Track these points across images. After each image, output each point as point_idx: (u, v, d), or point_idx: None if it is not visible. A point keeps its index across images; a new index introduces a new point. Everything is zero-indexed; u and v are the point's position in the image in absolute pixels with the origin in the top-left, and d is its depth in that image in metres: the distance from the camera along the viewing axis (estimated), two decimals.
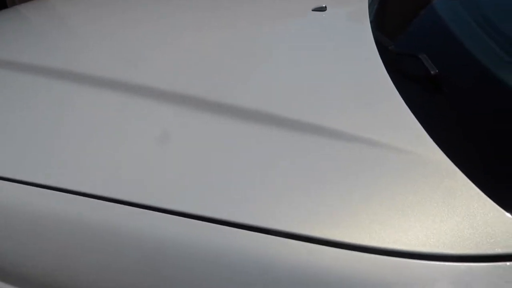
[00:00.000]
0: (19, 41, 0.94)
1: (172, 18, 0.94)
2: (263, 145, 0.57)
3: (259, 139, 0.58)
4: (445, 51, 0.64)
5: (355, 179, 0.50)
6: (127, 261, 0.50)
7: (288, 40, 0.78)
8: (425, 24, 0.74)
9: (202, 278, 0.47)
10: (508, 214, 0.42)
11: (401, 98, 0.56)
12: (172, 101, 0.65)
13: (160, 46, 0.82)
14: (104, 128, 0.65)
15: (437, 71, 0.56)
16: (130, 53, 0.81)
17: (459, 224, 0.43)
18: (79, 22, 1.04)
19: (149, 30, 0.89)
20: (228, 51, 0.76)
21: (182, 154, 0.58)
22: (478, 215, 0.43)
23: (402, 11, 0.81)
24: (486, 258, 0.40)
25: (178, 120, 0.63)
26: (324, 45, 0.74)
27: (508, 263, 0.39)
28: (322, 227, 0.45)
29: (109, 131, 0.65)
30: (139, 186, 0.54)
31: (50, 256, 0.54)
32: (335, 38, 0.76)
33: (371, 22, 0.73)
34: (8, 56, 0.88)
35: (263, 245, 0.46)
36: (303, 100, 0.62)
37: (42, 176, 0.57)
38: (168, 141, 0.60)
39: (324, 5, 0.80)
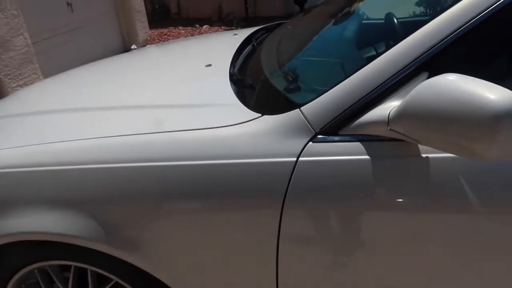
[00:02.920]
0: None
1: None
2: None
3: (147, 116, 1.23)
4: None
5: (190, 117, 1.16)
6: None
7: (187, 76, 1.56)
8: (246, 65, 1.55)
9: None
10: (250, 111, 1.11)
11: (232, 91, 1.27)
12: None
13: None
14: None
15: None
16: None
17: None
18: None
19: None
20: (156, 83, 1.54)
21: None
22: (238, 115, 1.08)
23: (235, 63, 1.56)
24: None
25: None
26: (207, 75, 1.50)
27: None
28: None
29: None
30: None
31: None
32: (212, 74, 1.49)
33: (230, 68, 1.46)
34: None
35: None
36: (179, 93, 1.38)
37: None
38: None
39: (211, 63, 1.54)
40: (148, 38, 6.40)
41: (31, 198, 1.08)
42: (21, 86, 3.70)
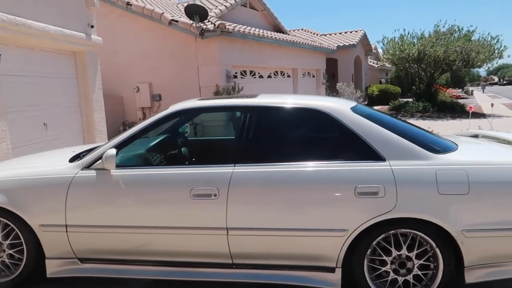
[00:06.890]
0: None
1: None
2: None
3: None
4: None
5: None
6: None
7: (64, 155, 3.66)
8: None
9: None
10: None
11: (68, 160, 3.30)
12: None
13: None
14: None
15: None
16: None
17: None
18: None
19: None
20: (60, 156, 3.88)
21: None
22: (65, 163, 3.10)
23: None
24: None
25: None
26: (69, 154, 3.58)
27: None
28: None
29: None
30: None
31: None
32: (71, 154, 3.57)
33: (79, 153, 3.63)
34: None
35: None
36: None
37: None
38: None
39: (74, 151, 3.94)
40: None
41: None
42: None
